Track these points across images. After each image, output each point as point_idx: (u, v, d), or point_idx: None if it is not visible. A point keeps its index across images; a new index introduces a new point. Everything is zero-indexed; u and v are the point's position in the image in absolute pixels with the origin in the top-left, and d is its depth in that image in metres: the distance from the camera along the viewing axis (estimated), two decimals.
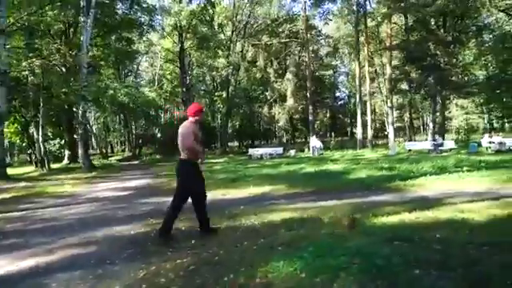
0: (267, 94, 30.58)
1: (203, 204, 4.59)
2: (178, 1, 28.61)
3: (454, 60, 28.67)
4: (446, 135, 40.22)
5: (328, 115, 50.45)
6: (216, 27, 30.08)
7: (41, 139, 19.02)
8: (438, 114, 28.58)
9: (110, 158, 35.21)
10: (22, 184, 12.85)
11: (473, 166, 10.89)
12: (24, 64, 15.83)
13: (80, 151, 19.61)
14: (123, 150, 48.99)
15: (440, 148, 20.61)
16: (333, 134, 51.32)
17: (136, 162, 27.89)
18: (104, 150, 43.39)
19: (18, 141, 24.26)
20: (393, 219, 4.88)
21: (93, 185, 12.18)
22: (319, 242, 3.80)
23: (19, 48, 17.39)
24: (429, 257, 3.20)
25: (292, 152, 26.00)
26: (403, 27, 27.37)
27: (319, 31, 33.21)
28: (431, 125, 28.22)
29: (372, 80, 33.25)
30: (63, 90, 17.67)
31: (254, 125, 34.71)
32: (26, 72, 17.64)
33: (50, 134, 25.38)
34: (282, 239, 4.16)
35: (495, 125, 41.65)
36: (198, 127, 4.53)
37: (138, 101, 26.83)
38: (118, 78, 34.44)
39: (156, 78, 46.31)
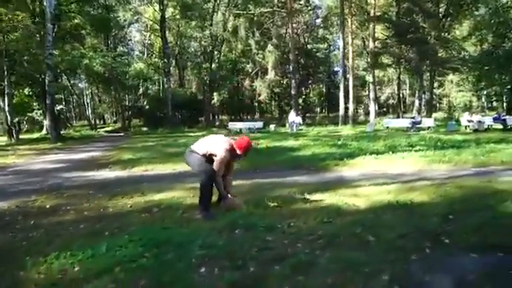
0: (248, 66, 29.64)
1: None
2: None
3: (445, 34, 27.67)
4: (436, 113, 39.79)
5: (324, 90, 49.62)
6: None
7: (7, 108, 18.57)
8: (424, 90, 27.85)
9: (98, 130, 35.15)
10: None
11: (429, 146, 10.47)
12: None
13: (46, 122, 19.14)
14: (115, 122, 48.82)
15: (417, 126, 20.06)
16: (324, 109, 50.75)
17: (121, 134, 27.56)
18: (93, 121, 43.26)
19: None
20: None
21: (39, 156, 11.83)
22: (145, 229, 3.42)
23: None
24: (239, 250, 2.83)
25: (272, 127, 25.53)
26: None
27: (307, 1, 31.79)
28: (417, 102, 27.56)
29: (360, 54, 32.25)
30: (25, 57, 16.98)
31: (240, 98, 33.89)
32: None
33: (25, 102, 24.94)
34: (123, 223, 3.79)
35: (495, 104, 40.85)
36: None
37: (117, 71, 26.05)
38: (106, 47, 33.59)
39: (145, 48, 45.29)
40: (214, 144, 4.23)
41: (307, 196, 4.86)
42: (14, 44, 18.22)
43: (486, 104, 41.39)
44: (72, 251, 2.95)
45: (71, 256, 2.87)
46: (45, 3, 18.24)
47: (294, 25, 34.52)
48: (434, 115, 30.54)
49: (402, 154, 8.87)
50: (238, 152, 4.18)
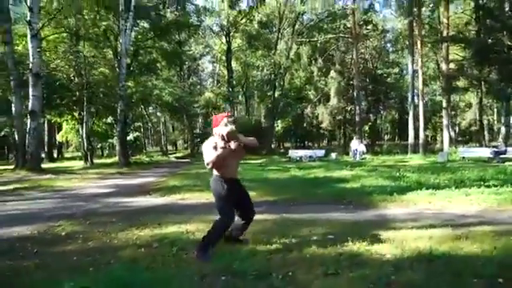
0: (310, 93, 29.16)
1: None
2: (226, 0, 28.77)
3: None
4: None
5: (396, 117, 46.97)
6: (263, 26, 29.63)
7: (84, 135, 20.54)
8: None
9: (169, 155, 37.51)
10: (46, 176, 13.86)
11: (506, 181, 8.90)
12: (62, 64, 17.05)
13: (118, 148, 20.69)
14: (186, 148, 51.63)
15: (501, 156, 17.51)
16: (397, 137, 47.70)
17: (187, 160, 28.82)
18: (165, 148, 46.22)
19: (73, 136, 26.61)
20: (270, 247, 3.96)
21: (100, 180, 12.64)
22: (127, 268, 3.17)
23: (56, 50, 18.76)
24: None
25: (333, 155, 24.47)
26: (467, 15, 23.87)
27: (375, 25, 30.71)
28: (503, 128, 24.34)
29: (435, 78, 30.02)
30: (101, 89, 18.78)
31: (303, 126, 33.41)
32: (72, 74, 19.26)
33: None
34: (116, 258, 3.60)
35: None
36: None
37: (184, 100, 27.60)
38: (180, 78, 36.17)
39: (215, 78, 47.80)
40: (204, 150, 3.65)
41: (329, 237, 4.24)
42: (96, 78, 20.43)
43: None
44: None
45: None
46: (121, 40, 20.16)
47: (362, 50, 33.67)
48: None
49: (467, 190, 7.59)
50: (220, 133, 3.49)
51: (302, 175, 12.09)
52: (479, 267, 3.14)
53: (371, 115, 37.69)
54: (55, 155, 32.92)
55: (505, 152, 17.74)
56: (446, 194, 7.36)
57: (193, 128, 40.03)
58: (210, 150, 3.55)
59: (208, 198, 7.69)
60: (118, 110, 20.14)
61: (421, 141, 23.01)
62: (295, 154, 25.26)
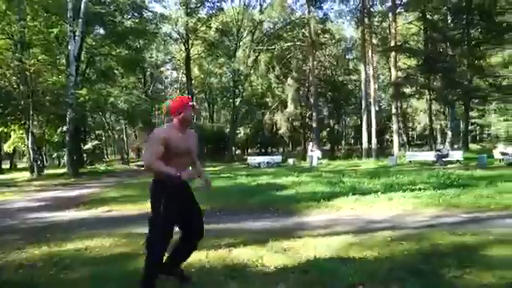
0: (268, 100, 29.52)
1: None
2: (183, 7, 28.61)
3: (478, 62, 25.95)
4: (477, 145, 36.80)
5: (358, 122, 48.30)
6: (222, 33, 29.73)
7: (30, 145, 19.58)
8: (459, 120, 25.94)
9: (131, 163, 36.55)
10: None
11: (433, 184, 9.33)
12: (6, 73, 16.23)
13: (66, 158, 19.88)
14: None
15: (444, 160, 18.39)
16: (358, 142, 49.02)
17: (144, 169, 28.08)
18: (126, 156, 45.02)
19: (22, 146, 25.36)
20: None
21: (37, 193, 12.04)
22: None
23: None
24: None
25: (290, 161, 24.79)
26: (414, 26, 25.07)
27: (331, 34, 31.58)
28: (449, 133, 25.59)
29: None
30: (47, 97, 18.02)
31: (262, 133, 33.76)
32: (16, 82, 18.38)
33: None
34: None
35: None
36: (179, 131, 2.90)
37: (141, 108, 27.01)
38: (143, 85, 35.45)
39: (178, 85, 47.24)
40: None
41: (230, 248, 4.23)
42: (43, 85, 19.57)
43: None
44: None
45: None
46: (69, 47, 19.49)
47: (322, 58, 34.49)
48: (472, 147, 28.29)
49: (392, 195, 7.87)
50: (178, 118, 2.89)
51: (247, 182, 12.08)
52: (346, 275, 3.21)
53: (331, 121, 38.54)
54: (6, 166, 31.29)
55: (447, 155, 18.67)
56: (372, 199, 7.60)
57: None
58: (150, 145, 2.83)
59: (141, 208, 7.52)
60: (67, 119, 19.38)
61: (373, 146, 23.77)
62: (253, 160, 25.33)
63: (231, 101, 32.26)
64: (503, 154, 17.43)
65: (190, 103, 2.94)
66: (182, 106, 2.90)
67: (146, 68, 34.87)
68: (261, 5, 30.60)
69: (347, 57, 40.02)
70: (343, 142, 35.84)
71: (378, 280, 3.09)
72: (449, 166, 17.41)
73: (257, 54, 29.26)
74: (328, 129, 32.88)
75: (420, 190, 8.47)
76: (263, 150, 37.24)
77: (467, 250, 3.91)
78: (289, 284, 3.10)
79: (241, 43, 29.61)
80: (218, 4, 30.38)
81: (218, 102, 41.37)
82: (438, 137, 36.17)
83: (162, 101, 39.34)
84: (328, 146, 37.12)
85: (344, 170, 17.07)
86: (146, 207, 7.29)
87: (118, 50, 26.58)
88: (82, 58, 23.48)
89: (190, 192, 3.08)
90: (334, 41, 32.09)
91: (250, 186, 11.03)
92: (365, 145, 24.30)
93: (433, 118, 29.55)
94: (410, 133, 48.59)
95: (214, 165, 27.86)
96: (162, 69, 43.83)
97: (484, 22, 25.28)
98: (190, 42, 30.81)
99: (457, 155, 18.96)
